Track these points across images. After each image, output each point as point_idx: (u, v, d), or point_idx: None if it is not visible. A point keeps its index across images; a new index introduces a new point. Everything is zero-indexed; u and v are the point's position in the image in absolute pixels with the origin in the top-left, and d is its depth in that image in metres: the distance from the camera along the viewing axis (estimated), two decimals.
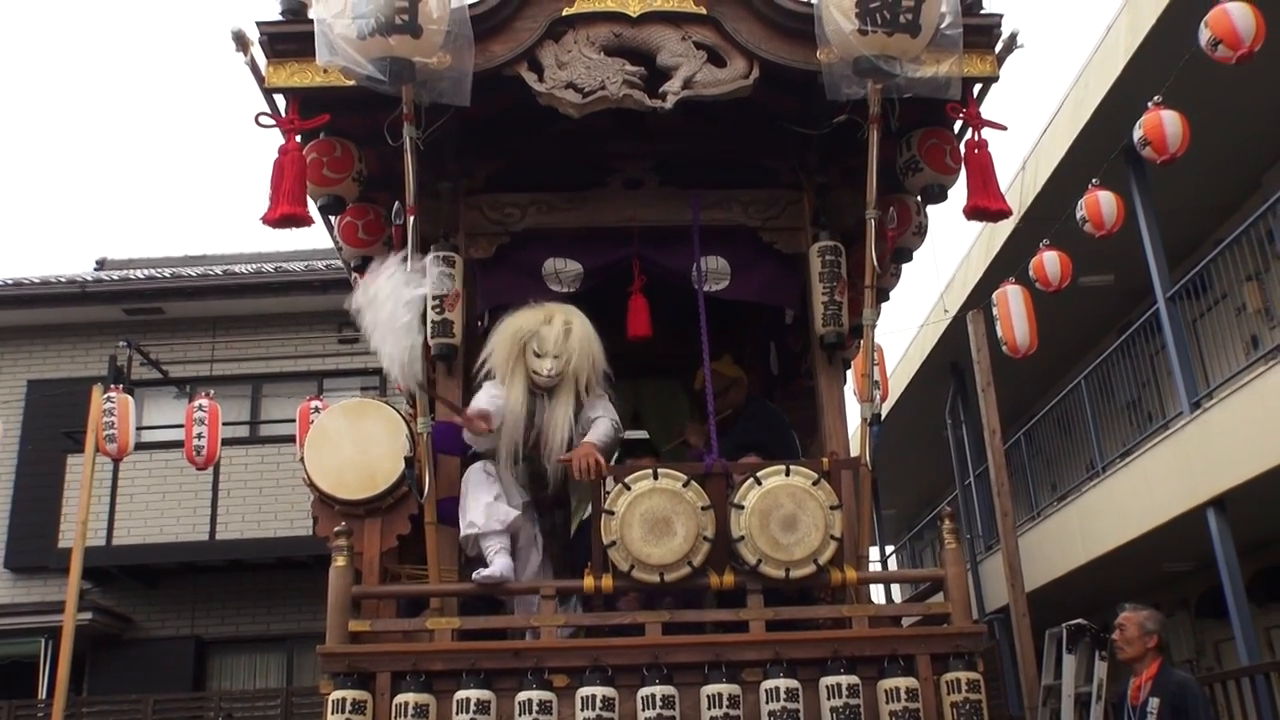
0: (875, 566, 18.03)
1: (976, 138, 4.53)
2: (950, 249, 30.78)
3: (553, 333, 4.39)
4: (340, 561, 4.05)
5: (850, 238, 4.79)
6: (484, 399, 4.40)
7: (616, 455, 5.01)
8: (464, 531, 4.33)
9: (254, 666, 12.25)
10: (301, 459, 4.54)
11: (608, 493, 4.11)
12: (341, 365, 12.53)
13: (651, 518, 4.01)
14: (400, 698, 3.80)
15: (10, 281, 12.55)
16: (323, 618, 4.03)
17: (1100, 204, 7.21)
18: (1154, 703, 4.69)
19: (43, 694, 10.62)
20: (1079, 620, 5.90)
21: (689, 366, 5.27)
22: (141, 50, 53.46)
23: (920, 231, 5.24)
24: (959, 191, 4.67)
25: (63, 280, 12.68)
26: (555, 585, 4.24)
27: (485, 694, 3.80)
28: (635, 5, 4.39)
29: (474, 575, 4.18)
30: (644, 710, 3.78)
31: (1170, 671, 4.91)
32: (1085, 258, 8.41)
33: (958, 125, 4.73)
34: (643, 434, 6.34)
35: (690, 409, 6.02)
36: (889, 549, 21.18)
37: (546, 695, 3.80)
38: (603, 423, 4.47)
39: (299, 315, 12.69)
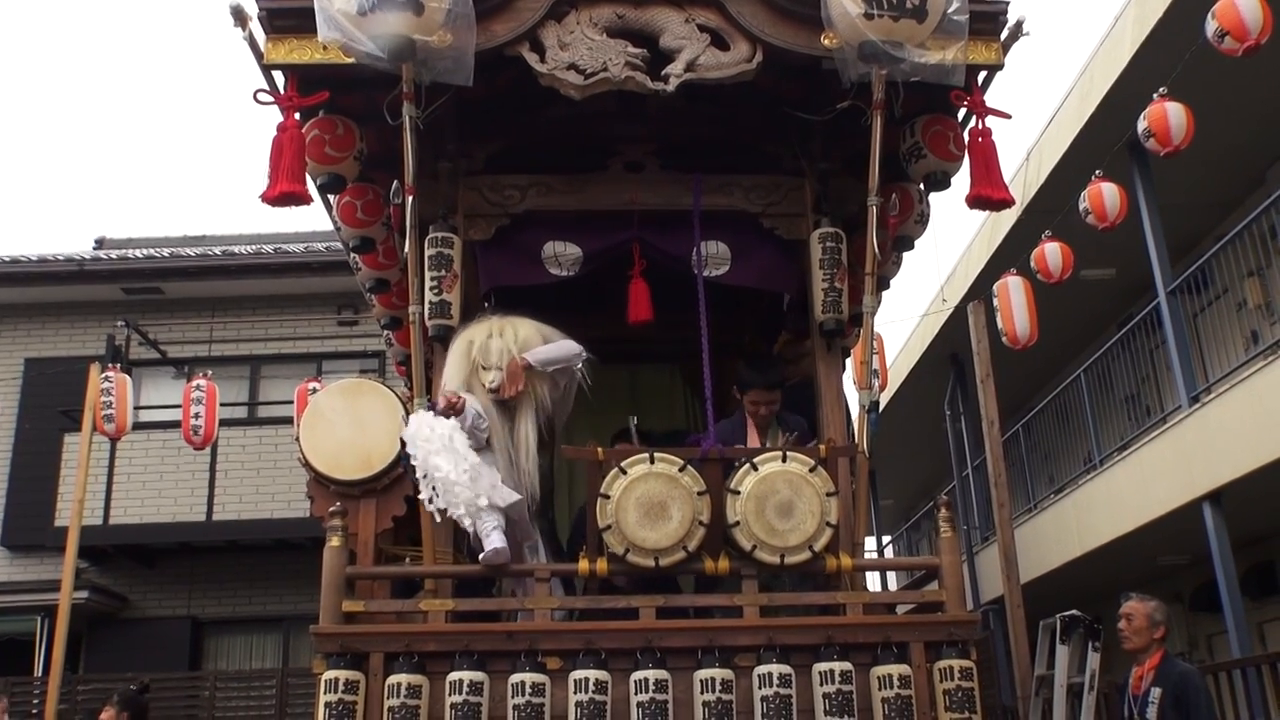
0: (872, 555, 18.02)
1: (980, 126, 4.50)
2: (952, 239, 30.77)
3: (496, 345, 4.36)
4: (335, 542, 4.04)
5: (852, 225, 4.77)
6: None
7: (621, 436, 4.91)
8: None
9: (250, 647, 12.28)
10: (297, 439, 4.53)
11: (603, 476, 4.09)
12: (340, 347, 12.54)
13: (647, 502, 4.00)
14: (393, 678, 3.80)
15: (8, 259, 12.52)
16: (319, 599, 4.03)
17: (1103, 196, 7.19)
18: (1156, 693, 4.67)
19: (39, 672, 10.63)
20: (1073, 611, 5.89)
21: (689, 351, 5.23)
22: (141, 27, 53.33)
23: (922, 220, 5.22)
24: (962, 180, 4.65)
25: (61, 259, 12.65)
26: (551, 568, 4.24)
27: (478, 675, 3.80)
28: None
29: (480, 557, 4.16)
30: (637, 694, 3.78)
31: (1173, 662, 4.88)
32: (1087, 250, 8.39)
33: (962, 113, 4.70)
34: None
35: (686, 390, 6.01)
36: (886, 539, 21.21)
37: (539, 678, 3.79)
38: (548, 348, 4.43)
39: (298, 296, 12.68)
